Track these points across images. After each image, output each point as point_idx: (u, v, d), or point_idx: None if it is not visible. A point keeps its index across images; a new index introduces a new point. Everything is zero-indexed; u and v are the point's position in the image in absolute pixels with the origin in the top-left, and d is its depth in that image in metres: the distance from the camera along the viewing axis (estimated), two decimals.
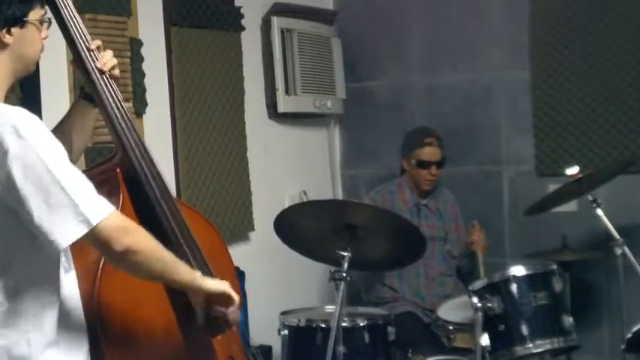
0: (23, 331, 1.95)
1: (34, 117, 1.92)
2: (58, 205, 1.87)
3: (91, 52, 2.23)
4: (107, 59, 2.25)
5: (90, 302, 2.09)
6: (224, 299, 2.19)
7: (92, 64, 2.22)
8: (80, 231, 1.89)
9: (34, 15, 2.01)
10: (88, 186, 1.94)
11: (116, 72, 2.27)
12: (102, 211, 1.91)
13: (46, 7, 2.07)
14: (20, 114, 1.90)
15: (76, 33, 2.22)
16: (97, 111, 2.30)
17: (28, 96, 3.04)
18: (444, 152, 4.22)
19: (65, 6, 2.20)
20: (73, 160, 2.27)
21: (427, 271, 4.17)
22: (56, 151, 1.92)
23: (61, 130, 2.27)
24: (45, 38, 2.08)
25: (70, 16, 2.22)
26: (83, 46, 2.22)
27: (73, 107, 2.33)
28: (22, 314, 1.95)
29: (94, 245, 1.97)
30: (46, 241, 1.89)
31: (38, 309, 1.97)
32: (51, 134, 1.94)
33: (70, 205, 1.87)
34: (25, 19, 1.98)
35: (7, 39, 1.97)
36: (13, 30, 1.97)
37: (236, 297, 2.21)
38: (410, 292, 4.15)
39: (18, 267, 1.95)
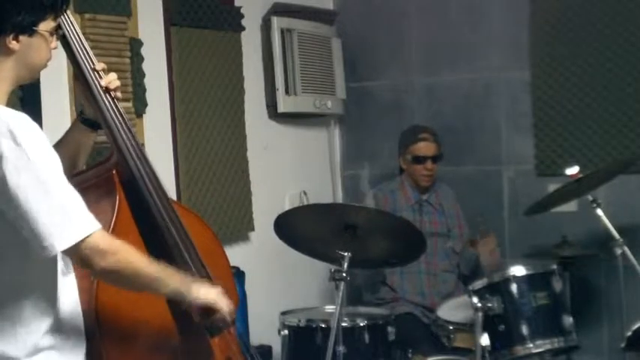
0: (18, 334, 1.95)
1: (34, 125, 1.92)
2: (43, 217, 1.86)
3: (96, 72, 2.25)
4: (111, 79, 2.27)
5: (88, 304, 2.09)
6: (211, 307, 2.19)
7: (95, 81, 2.25)
8: (63, 245, 1.89)
9: (45, 26, 2.00)
10: (78, 201, 1.93)
11: (119, 94, 2.29)
12: (85, 229, 1.91)
13: (59, 20, 2.06)
14: (20, 120, 1.90)
15: (81, 53, 2.24)
16: (97, 133, 2.33)
17: (28, 96, 3.04)
18: (440, 147, 4.23)
19: (69, 26, 2.21)
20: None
21: (429, 268, 4.16)
22: (50, 162, 1.91)
23: (59, 151, 2.29)
24: (54, 48, 2.08)
25: (75, 35, 2.23)
26: (87, 66, 2.24)
27: (72, 130, 2.34)
28: (17, 317, 1.95)
29: (74, 260, 1.97)
30: (33, 247, 1.89)
31: (33, 312, 1.96)
32: (48, 144, 1.94)
33: (56, 219, 1.87)
34: (34, 28, 1.97)
35: (14, 45, 1.96)
36: (21, 37, 1.96)
37: (224, 305, 2.20)
38: (411, 290, 4.15)
39: (12, 270, 1.95)
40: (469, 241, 4.20)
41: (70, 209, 1.90)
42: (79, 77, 2.26)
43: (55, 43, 2.09)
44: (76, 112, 2.34)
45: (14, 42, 1.96)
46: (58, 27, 2.09)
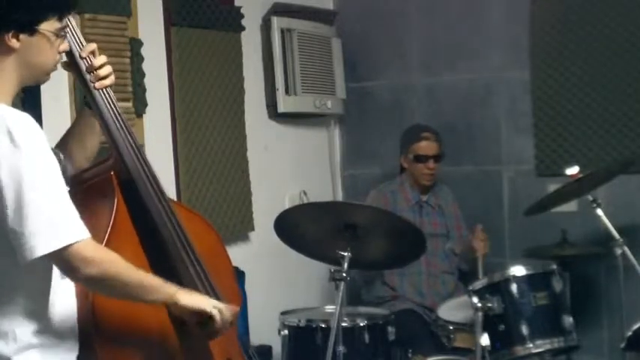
0: (9, 333, 1.94)
1: (34, 126, 1.91)
2: (32, 219, 1.85)
3: (85, 59, 2.22)
4: (99, 63, 2.22)
5: (84, 306, 2.08)
6: (202, 315, 2.15)
7: (85, 69, 2.22)
8: (46, 249, 1.87)
9: (48, 26, 1.98)
10: (68, 208, 1.91)
11: (108, 82, 2.24)
12: (73, 236, 1.89)
13: (65, 21, 2.03)
14: (19, 120, 1.89)
15: (72, 37, 2.21)
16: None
17: (28, 96, 3.04)
18: (441, 147, 4.23)
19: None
20: (83, 164, 2.28)
21: (429, 268, 4.17)
22: (46, 164, 1.90)
23: (69, 138, 2.28)
24: (62, 52, 2.07)
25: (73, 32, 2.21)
26: (78, 50, 2.21)
27: (79, 114, 2.34)
28: (8, 317, 1.95)
29: (58, 267, 1.95)
30: (18, 251, 1.88)
31: (25, 313, 1.96)
32: (47, 147, 1.92)
33: (44, 222, 1.85)
34: (35, 27, 1.95)
35: (14, 43, 1.94)
36: (22, 36, 1.95)
37: (216, 313, 2.15)
38: (411, 290, 4.15)
39: (5, 270, 1.94)
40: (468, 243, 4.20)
41: (59, 215, 1.88)
42: (71, 63, 2.22)
43: (65, 45, 2.08)
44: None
45: (14, 40, 1.94)
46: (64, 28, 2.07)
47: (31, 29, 1.95)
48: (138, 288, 2.03)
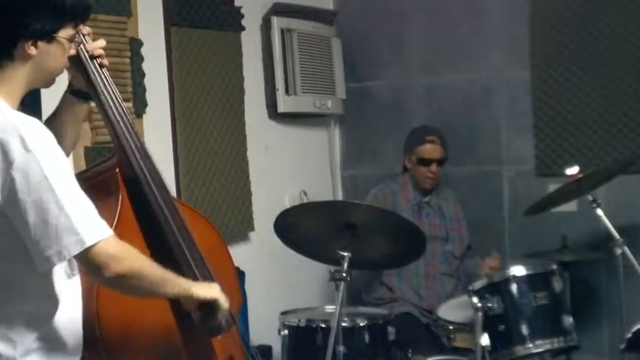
0: (15, 334, 1.94)
1: (45, 130, 1.92)
2: (55, 223, 1.86)
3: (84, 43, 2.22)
4: (97, 45, 2.24)
5: (89, 305, 2.09)
6: (214, 305, 2.19)
7: (85, 54, 2.22)
8: (73, 250, 1.88)
9: (65, 33, 2.00)
10: (89, 206, 1.93)
11: (105, 62, 2.26)
12: (98, 234, 1.90)
13: (78, 28, 2.06)
14: (30, 125, 1.90)
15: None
16: (90, 106, 2.32)
17: (28, 96, 3.03)
18: (446, 151, 4.22)
19: None
20: (67, 152, 2.26)
21: (428, 270, 4.16)
22: (61, 167, 1.91)
23: (50, 128, 2.27)
24: (72, 56, 2.09)
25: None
26: (92, 65, 2.23)
27: (62, 103, 2.30)
28: (14, 318, 1.95)
29: (84, 267, 1.96)
30: (39, 256, 1.88)
31: (31, 314, 1.96)
32: (59, 149, 1.93)
33: (67, 224, 1.86)
34: (54, 35, 1.98)
35: (32, 51, 1.96)
36: (39, 43, 1.97)
37: (225, 302, 2.20)
38: (408, 292, 4.15)
39: (14, 276, 1.94)
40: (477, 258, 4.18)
41: (80, 215, 1.89)
42: (79, 67, 2.24)
43: (73, 50, 2.09)
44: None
45: (32, 47, 1.96)
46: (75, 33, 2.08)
47: (49, 37, 1.98)
48: (160, 282, 2.05)
